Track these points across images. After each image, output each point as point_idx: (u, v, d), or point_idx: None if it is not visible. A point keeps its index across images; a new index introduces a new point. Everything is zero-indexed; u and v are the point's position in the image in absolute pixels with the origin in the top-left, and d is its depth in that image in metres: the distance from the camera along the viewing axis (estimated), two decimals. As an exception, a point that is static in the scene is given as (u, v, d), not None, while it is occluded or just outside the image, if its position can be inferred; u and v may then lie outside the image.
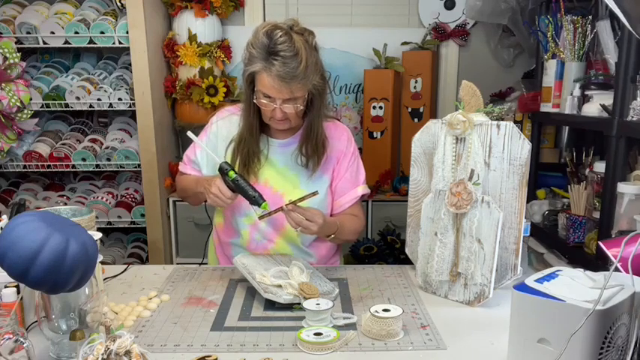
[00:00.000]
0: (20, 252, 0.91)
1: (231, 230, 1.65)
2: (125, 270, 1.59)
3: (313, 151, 1.56)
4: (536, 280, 0.99)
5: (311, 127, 1.54)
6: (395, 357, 1.11)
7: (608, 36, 1.75)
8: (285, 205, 1.43)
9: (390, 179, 2.81)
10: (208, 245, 1.79)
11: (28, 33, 2.55)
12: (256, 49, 1.41)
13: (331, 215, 1.64)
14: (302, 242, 1.62)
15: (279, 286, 1.35)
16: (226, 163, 1.46)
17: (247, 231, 1.61)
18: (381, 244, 2.67)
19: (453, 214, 1.36)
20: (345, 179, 1.63)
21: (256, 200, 1.42)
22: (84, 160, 2.67)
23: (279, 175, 1.59)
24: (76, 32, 2.53)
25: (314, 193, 1.45)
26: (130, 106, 2.62)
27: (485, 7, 2.58)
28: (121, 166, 2.71)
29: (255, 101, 1.48)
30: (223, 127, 1.62)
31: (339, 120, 1.71)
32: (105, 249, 2.80)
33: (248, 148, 1.56)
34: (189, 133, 1.52)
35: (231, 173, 1.43)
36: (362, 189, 1.65)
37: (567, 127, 2.34)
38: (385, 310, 1.18)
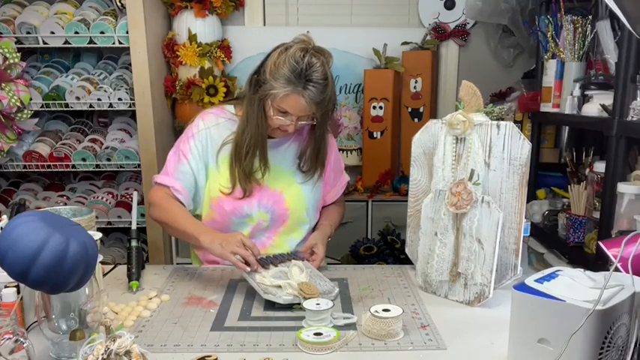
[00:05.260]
0: (20, 252, 0.91)
1: (224, 230, 1.57)
2: (113, 268, 1.60)
3: (314, 161, 1.60)
4: (536, 280, 0.99)
5: (320, 139, 1.58)
6: (395, 357, 1.11)
7: (608, 36, 1.75)
8: (300, 264, 1.45)
9: (390, 179, 2.80)
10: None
11: (28, 33, 2.54)
12: (289, 72, 1.40)
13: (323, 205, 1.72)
14: (300, 235, 1.66)
15: (279, 286, 1.35)
16: (136, 231, 1.52)
17: (248, 231, 1.60)
18: (381, 244, 2.67)
19: (453, 214, 1.36)
20: (332, 167, 1.69)
21: (130, 276, 1.46)
22: (84, 160, 2.67)
23: (274, 173, 1.58)
24: (76, 32, 2.52)
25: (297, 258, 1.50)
26: (130, 106, 2.62)
27: (485, 7, 2.58)
28: (121, 166, 2.70)
29: (270, 115, 1.47)
30: (216, 134, 1.58)
31: None
32: (105, 249, 2.80)
33: (257, 159, 1.54)
34: None
35: (133, 242, 1.51)
36: (346, 175, 1.78)
37: (567, 127, 2.34)
38: (385, 310, 1.18)
